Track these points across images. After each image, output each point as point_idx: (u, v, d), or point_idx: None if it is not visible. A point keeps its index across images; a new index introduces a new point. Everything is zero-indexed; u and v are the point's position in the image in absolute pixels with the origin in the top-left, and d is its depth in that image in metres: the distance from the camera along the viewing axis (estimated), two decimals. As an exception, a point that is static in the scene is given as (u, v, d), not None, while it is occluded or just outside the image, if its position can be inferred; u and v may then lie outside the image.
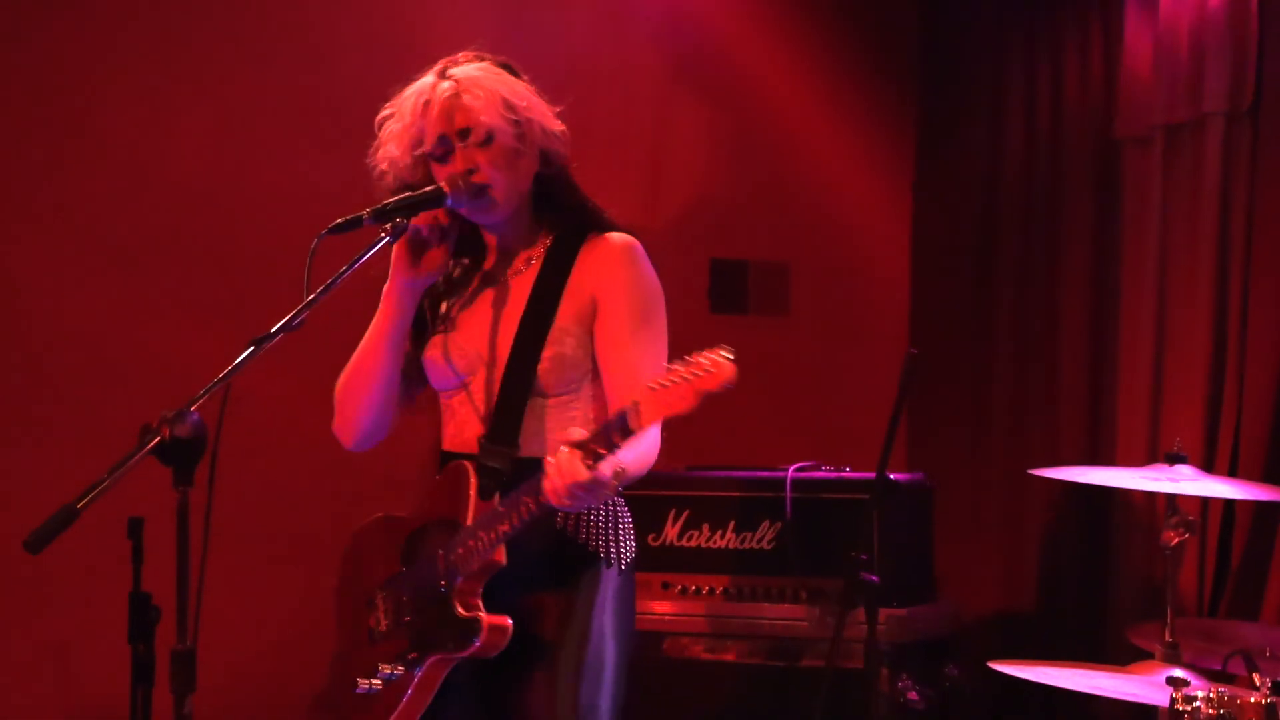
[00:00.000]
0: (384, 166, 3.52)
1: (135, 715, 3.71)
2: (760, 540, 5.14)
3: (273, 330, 3.05)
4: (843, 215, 7.04)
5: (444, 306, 3.61)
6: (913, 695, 4.86)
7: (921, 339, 6.89)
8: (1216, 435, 5.62)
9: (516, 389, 3.42)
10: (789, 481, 5.10)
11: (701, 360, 2.90)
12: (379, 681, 3.44)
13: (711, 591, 5.15)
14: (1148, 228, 5.96)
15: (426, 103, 3.42)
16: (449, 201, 3.40)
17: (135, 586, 3.86)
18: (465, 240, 3.60)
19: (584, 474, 3.02)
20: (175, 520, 2.81)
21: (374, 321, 3.56)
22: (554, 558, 3.42)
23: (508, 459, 3.36)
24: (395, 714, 3.38)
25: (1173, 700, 3.41)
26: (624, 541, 3.49)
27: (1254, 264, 5.59)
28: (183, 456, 2.80)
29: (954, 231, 6.91)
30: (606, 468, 3.04)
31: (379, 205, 3.34)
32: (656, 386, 2.92)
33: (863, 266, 7.10)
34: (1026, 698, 5.45)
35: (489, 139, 3.40)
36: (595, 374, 3.48)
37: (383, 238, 3.31)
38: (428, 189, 3.41)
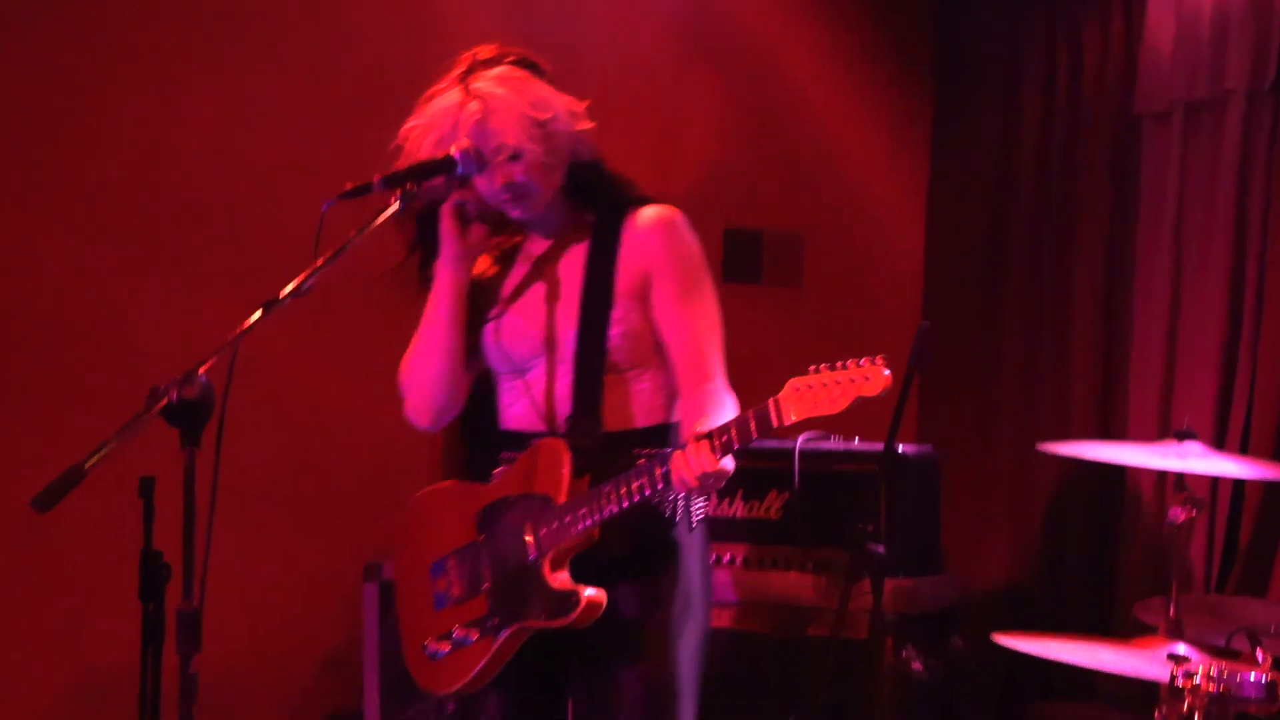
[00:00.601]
0: (409, 146, 3.52)
1: (145, 674, 3.74)
2: (768, 510, 5.16)
3: (281, 295, 3.06)
4: (857, 186, 7.03)
5: (493, 291, 3.63)
6: (917, 666, 4.87)
7: (934, 311, 6.89)
8: (1228, 413, 5.62)
9: (592, 368, 3.46)
10: (797, 452, 5.11)
11: (858, 365, 3.00)
12: (448, 644, 3.48)
13: (719, 561, 5.16)
14: (1165, 204, 5.95)
15: (455, 123, 3.45)
16: (459, 169, 3.41)
17: (146, 545, 3.89)
18: (504, 219, 3.62)
19: (713, 464, 3.10)
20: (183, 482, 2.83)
21: (430, 299, 3.60)
22: (633, 531, 3.41)
23: (595, 437, 3.41)
24: (470, 677, 3.44)
25: (1173, 676, 3.42)
26: (695, 502, 3.50)
27: (1270, 243, 5.58)
28: (190, 418, 2.82)
29: (969, 204, 6.90)
30: (731, 460, 3.13)
31: (389, 172, 3.35)
32: (803, 386, 3.00)
33: (876, 238, 7.10)
34: (1032, 670, 5.46)
35: (518, 156, 3.43)
36: (659, 343, 3.51)
37: (392, 204, 3.31)
38: (439, 156, 3.43)
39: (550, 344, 3.52)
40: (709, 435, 3.11)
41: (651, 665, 3.40)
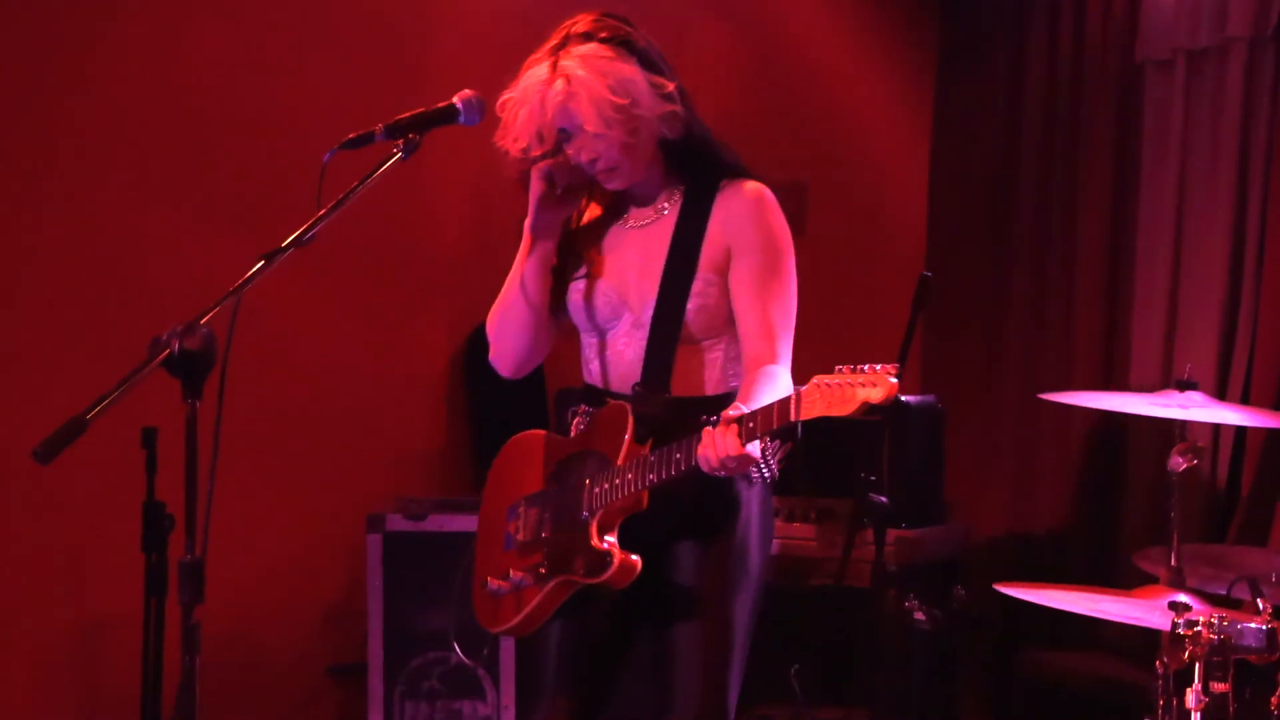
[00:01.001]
0: (506, 146, 3.55)
1: (148, 624, 3.75)
2: (771, 460, 5.15)
3: (283, 245, 3.05)
4: (862, 137, 7.02)
5: (581, 250, 3.67)
6: (919, 616, 4.88)
7: (938, 262, 6.89)
8: (1230, 362, 5.63)
9: (666, 336, 3.49)
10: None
11: (870, 369, 2.99)
12: (507, 584, 3.53)
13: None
14: (1168, 152, 5.94)
15: (542, 100, 3.47)
16: (461, 118, 3.42)
17: (149, 496, 3.89)
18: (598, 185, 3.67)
19: (737, 448, 3.10)
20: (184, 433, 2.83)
21: (517, 255, 3.64)
22: (697, 485, 3.41)
23: (661, 404, 3.45)
24: (517, 619, 3.51)
25: (1174, 624, 3.42)
26: (767, 460, 3.56)
27: (1272, 191, 5.58)
28: (192, 369, 2.82)
29: (973, 154, 6.90)
30: (757, 446, 3.12)
31: (392, 121, 3.34)
32: (821, 384, 2.99)
33: (881, 189, 7.09)
34: (1034, 620, 5.47)
35: (600, 136, 3.46)
36: (733, 316, 3.54)
37: (395, 154, 3.30)
38: (441, 105, 3.43)
39: (630, 308, 3.57)
40: (739, 420, 3.12)
41: (708, 624, 3.44)
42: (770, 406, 3.08)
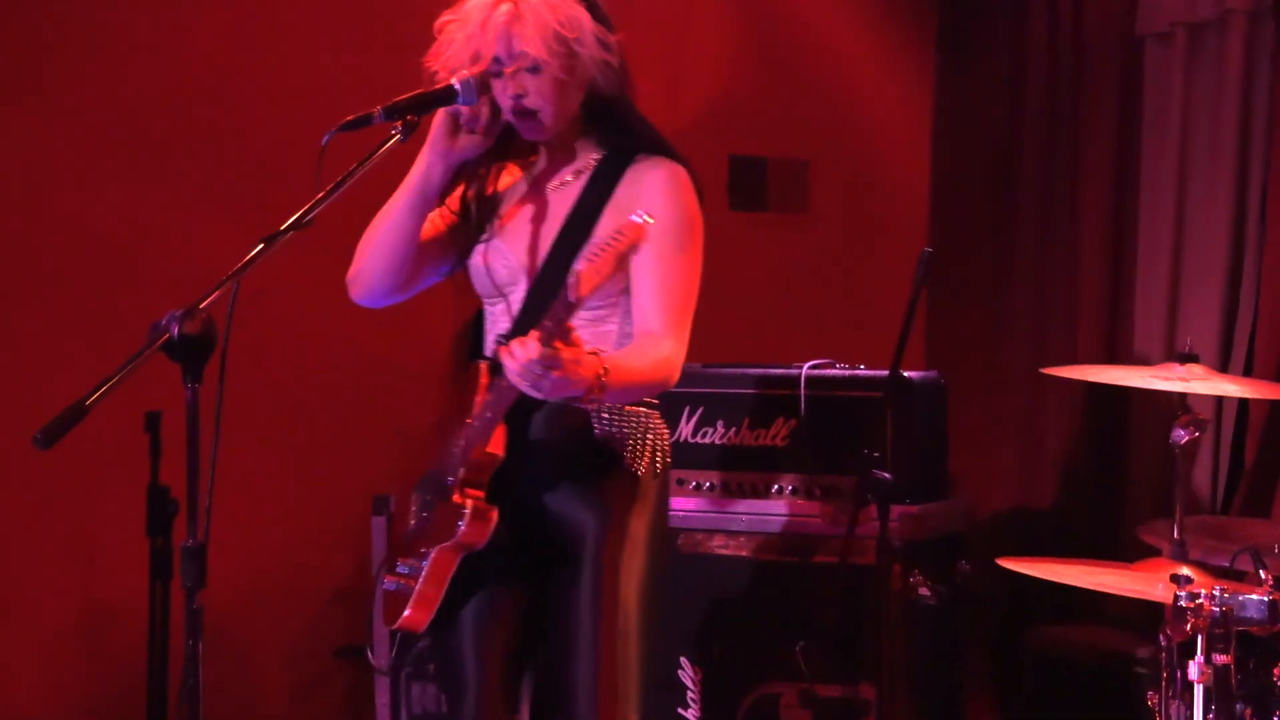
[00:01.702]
0: (437, 67, 3.53)
1: (154, 608, 3.76)
2: (774, 437, 5.16)
3: (283, 228, 3.06)
4: (863, 112, 7.01)
5: (490, 213, 3.65)
6: (924, 591, 4.88)
7: (940, 238, 6.89)
8: (1232, 335, 5.63)
9: (543, 298, 3.45)
10: (803, 379, 5.12)
11: (624, 225, 3.01)
12: (399, 578, 3.50)
13: (725, 487, 5.17)
14: (1168, 126, 5.94)
15: (484, 22, 3.46)
16: (460, 99, 3.43)
17: (153, 480, 3.90)
18: (519, 144, 3.65)
19: (535, 351, 3.04)
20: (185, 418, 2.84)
21: (401, 183, 3.59)
22: (588, 465, 3.49)
23: None
24: (409, 609, 3.45)
25: (1176, 597, 3.43)
26: (656, 449, 3.56)
27: (1274, 163, 5.58)
28: (192, 354, 2.83)
29: (974, 129, 6.89)
30: (569, 352, 3.06)
31: (391, 103, 3.35)
32: (590, 257, 3.00)
33: (883, 164, 7.08)
34: (1039, 594, 5.49)
35: (536, 68, 3.44)
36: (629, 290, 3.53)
37: (394, 135, 3.32)
38: (439, 87, 3.44)
39: (526, 271, 3.55)
40: (541, 327, 3.07)
41: (589, 588, 3.45)
42: (555, 303, 3.04)
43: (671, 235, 3.47)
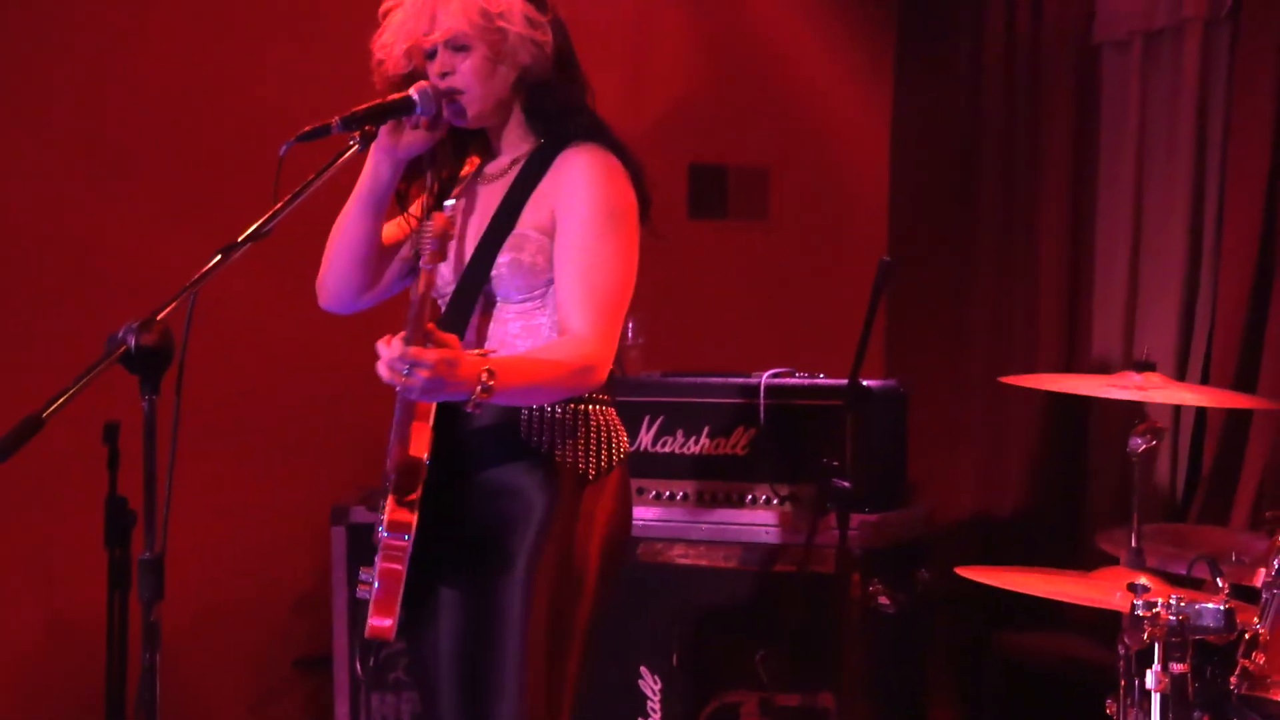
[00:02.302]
0: (380, 55, 3.52)
1: (113, 619, 3.74)
2: (734, 446, 5.16)
3: (240, 239, 3.05)
4: (823, 120, 7.03)
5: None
6: (884, 600, 4.89)
7: (900, 245, 6.90)
8: (1190, 344, 5.65)
9: (467, 293, 3.45)
10: (763, 387, 5.12)
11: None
12: (365, 586, 3.45)
13: (685, 497, 5.17)
14: (1126, 134, 5.96)
15: (417, 2, 3.44)
16: (418, 110, 3.42)
17: (111, 491, 3.88)
18: (479, 143, 3.63)
19: (397, 350, 3.03)
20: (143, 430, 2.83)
21: (355, 187, 3.58)
22: (517, 467, 3.42)
23: None
24: (370, 616, 3.39)
25: (1133, 606, 3.44)
26: (594, 449, 3.47)
27: (1229, 171, 5.59)
28: (149, 365, 2.81)
29: (933, 137, 6.90)
30: (438, 353, 3.03)
31: (349, 113, 3.34)
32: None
33: (842, 172, 7.10)
34: (1001, 602, 5.51)
35: (464, 46, 3.42)
36: None
37: (352, 146, 3.31)
38: (397, 96, 3.43)
39: (456, 271, 3.52)
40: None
41: (516, 593, 3.37)
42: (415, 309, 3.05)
43: (592, 223, 3.40)
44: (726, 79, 6.78)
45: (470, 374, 3.09)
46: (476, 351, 3.20)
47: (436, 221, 3.03)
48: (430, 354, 3.03)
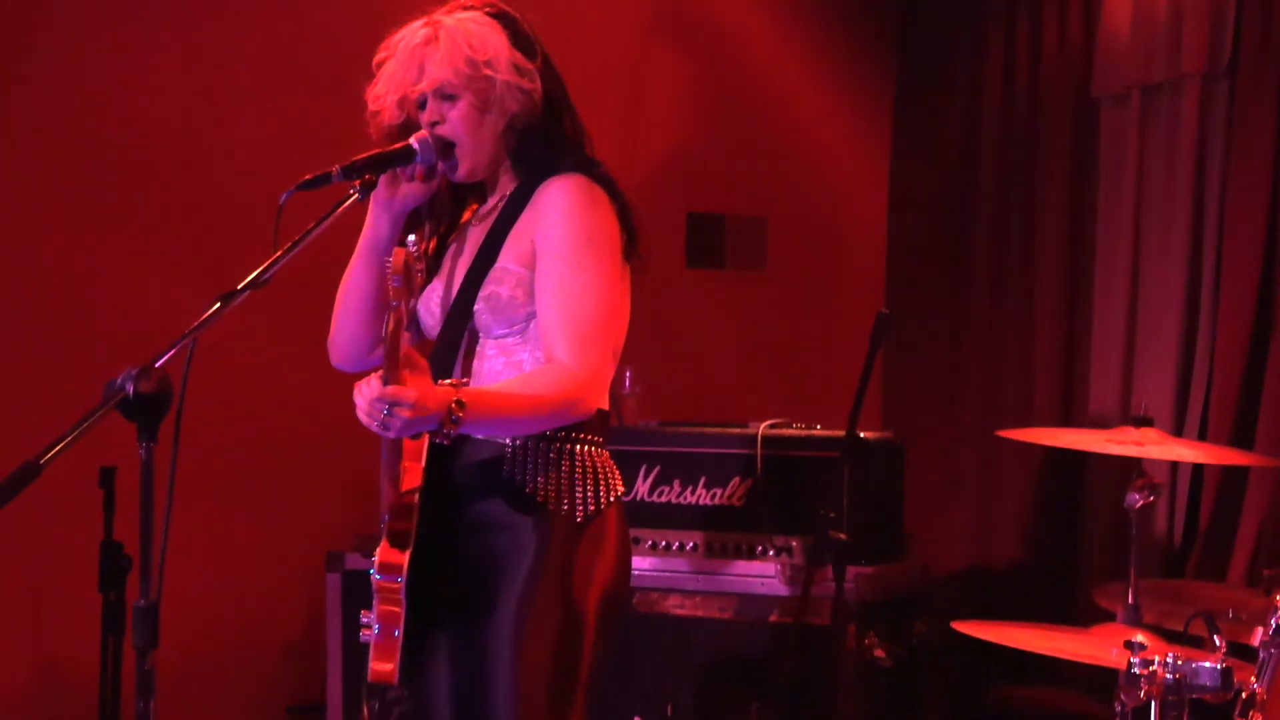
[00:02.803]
0: (375, 106, 3.51)
1: (106, 663, 3.74)
2: (731, 497, 5.16)
3: (239, 287, 3.05)
4: (821, 170, 7.05)
5: (434, 262, 3.59)
6: (879, 653, 4.88)
7: (897, 296, 6.91)
8: (1187, 399, 5.65)
9: (452, 331, 3.42)
10: (760, 438, 5.12)
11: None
12: (366, 629, 3.42)
13: (681, 547, 5.16)
14: (1124, 188, 5.98)
15: (404, 48, 3.43)
16: (418, 159, 3.41)
17: (106, 535, 3.88)
18: (475, 193, 3.61)
19: (375, 390, 3.03)
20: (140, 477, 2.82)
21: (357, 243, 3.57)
22: (504, 504, 3.36)
23: None
24: (370, 660, 3.35)
25: (1130, 664, 3.43)
26: (583, 490, 3.39)
27: (1227, 226, 5.61)
28: (147, 413, 2.80)
29: (931, 189, 6.92)
30: (411, 391, 3.02)
31: (349, 162, 3.33)
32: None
33: (840, 222, 7.11)
34: (996, 655, 5.50)
35: (451, 95, 3.42)
36: None
37: (351, 194, 3.30)
38: (397, 145, 3.42)
39: (443, 314, 3.49)
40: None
41: (502, 637, 3.31)
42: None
43: (570, 249, 3.35)
44: (724, 128, 6.80)
45: (438, 405, 3.07)
46: (449, 382, 3.18)
47: (396, 258, 3.01)
48: (409, 393, 3.02)
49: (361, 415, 3.08)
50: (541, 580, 3.33)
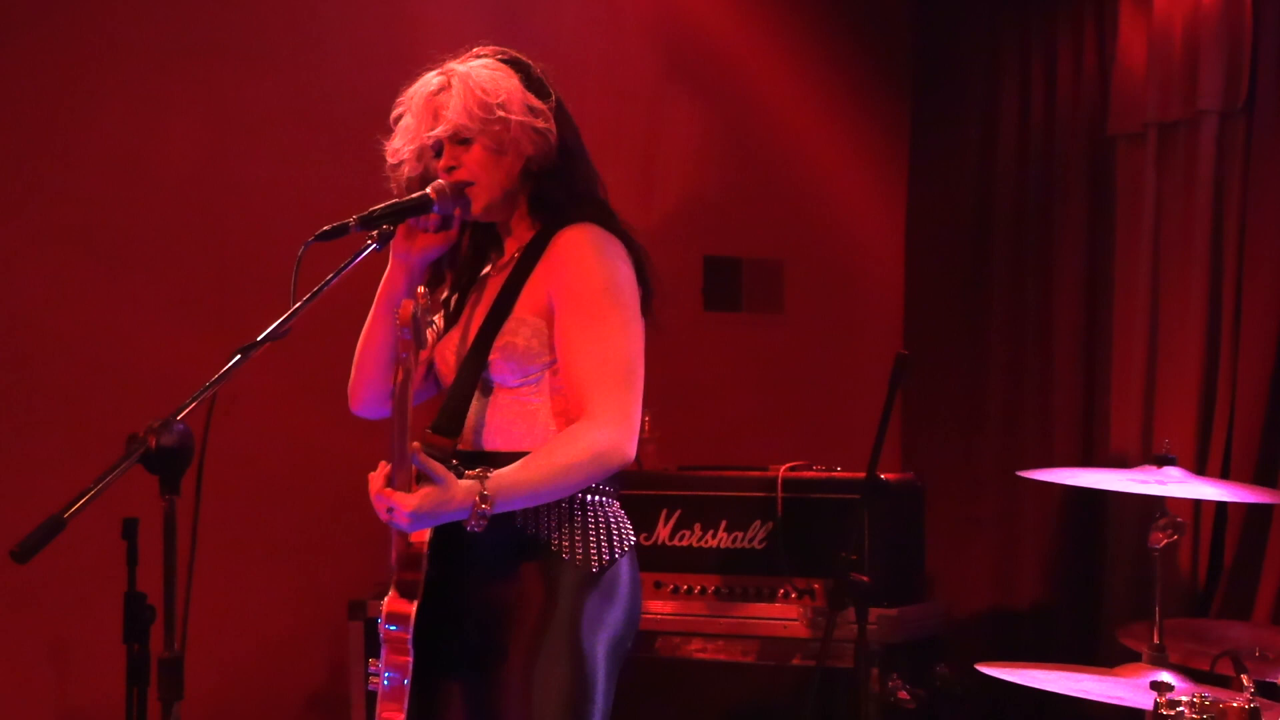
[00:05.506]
0: (393, 159, 3.52)
1: (131, 714, 3.73)
2: (752, 540, 5.16)
3: (259, 339, 3.05)
4: (837, 212, 7.05)
5: (453, 312, 3.61)
6: (903, 695, 4.86)
7: (915, 337, 6.90)
8: (1209, 436, 5.63)
9: (466, 381, 3.40)
10: (780, 481, 5.12)
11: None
12: (373, 679, 3.42)
13: (703, 591, 5.16)
14: (1141, 226, 5.97)
15: (420, 98, 3.45)
16: (435, 208, 3.42)
17: (130, 587, 3.87)
18: (495, 246, 3.61)
19: (378, 484, 3.07)
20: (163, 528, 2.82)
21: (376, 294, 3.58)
22: (514, 555, 3.35)
23: (447, 451, 3.31)
24: (379, 712, 3.36)
25: (1156, 704, 3.42)
26: (596, 540, 3.39)
27: (1247, 263, 5.60)
28: (169, 465, 2.81)
29: (948, 229, 6.92)
30: (413, 499, 3.04)
31: (366, 212, 3.34)
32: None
33: (857, 264, 7.11)
34: (1018, 696, 5.47)
35: (466, 140, 3.43)
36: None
37: (369, 245, 3.30)
38: (415, 195, 3.42)
39: (460, 355, 3.48)
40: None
41: (528, 697, 3.30)
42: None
43: (587, 301, 3.35)
44: (739, 171, 6.81)
45: (464, 502, 3.09)
46: (473, 473, 3.15)
47: (404, 309, 3.01)
48: (410, 501, 3.04)
49: (375, 503, 3.11)
50: (550, 629, 3.32)
